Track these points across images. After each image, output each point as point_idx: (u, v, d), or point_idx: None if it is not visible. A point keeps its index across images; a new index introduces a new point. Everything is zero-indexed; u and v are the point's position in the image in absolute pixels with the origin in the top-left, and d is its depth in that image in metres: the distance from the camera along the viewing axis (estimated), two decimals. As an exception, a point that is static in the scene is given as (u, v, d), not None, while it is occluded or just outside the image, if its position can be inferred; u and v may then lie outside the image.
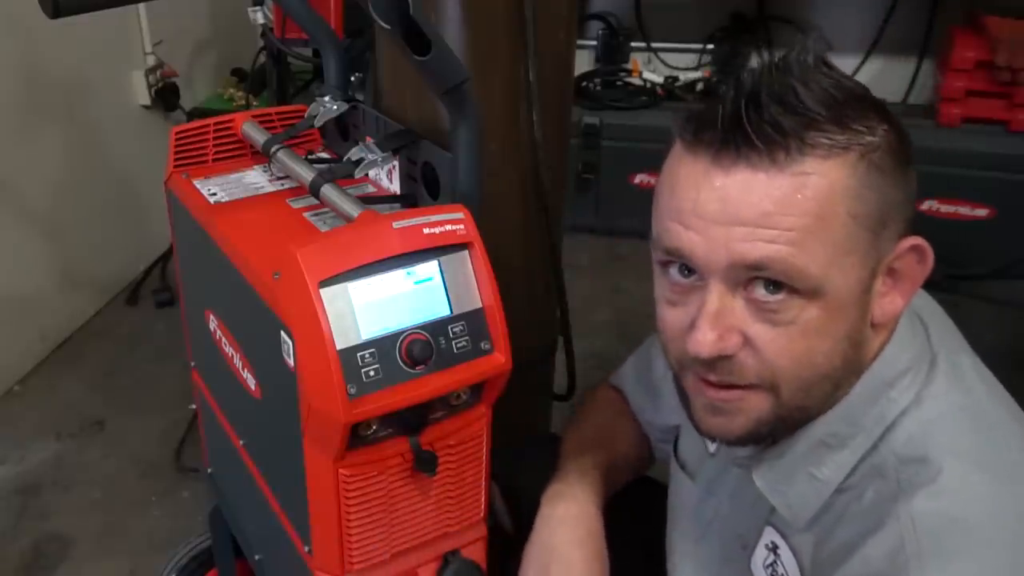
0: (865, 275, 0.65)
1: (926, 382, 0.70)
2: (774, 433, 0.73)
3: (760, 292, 0.65)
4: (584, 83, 3.00)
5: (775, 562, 0.78)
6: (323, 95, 1.14)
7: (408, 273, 0.82)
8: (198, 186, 1.10)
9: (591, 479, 0.95)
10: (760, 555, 0.79)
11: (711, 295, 0.66)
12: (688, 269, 0.68)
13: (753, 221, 0.63)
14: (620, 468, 1.02)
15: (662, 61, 3.11)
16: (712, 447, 0.88)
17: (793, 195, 0.62)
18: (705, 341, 0.65)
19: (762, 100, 0.62)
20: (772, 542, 0.78)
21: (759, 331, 0.66)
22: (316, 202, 1.02)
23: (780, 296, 0.64)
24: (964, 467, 0.66)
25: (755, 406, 0.69)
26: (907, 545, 0.63)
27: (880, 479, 0.68)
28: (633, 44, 3.12)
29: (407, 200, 1.05)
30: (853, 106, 0.64)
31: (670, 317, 0.71)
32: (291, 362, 0.82)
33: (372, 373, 0.79)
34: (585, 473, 0.96)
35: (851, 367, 0.69)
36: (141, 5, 2.47)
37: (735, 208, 0.63)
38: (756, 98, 0.62)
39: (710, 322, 0.66)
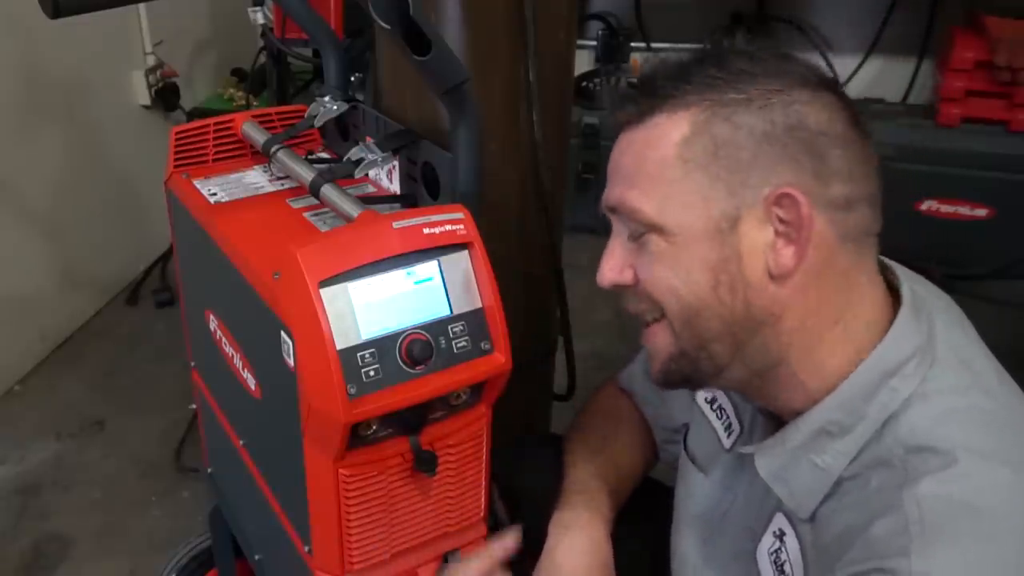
0: (714, 216, 0.71)
1: (931, 372, 0.70)
2: (688, 376, 0.78)
3: (632, 229, 0.75)
4: (584, 83, 3.00)
5: (779, 549, 0.78)
6: (323, 95, 1.14)
7: (408, 273, 0.82)
8: (198, 186, 1.10)
9: (598, 504, 0.95)
10: (766, 542, 0.80)
11: (611, 237, 0.78)
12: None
13: (613, 170, 0.77)
14: (626, 479, 1.02)
15: (662, 61, 3.11)
16: (727, 442, 0.88)
17: (638, 144, 0.74)
18: (600, 275, 0.78)
19: (650, 74, 0.75)
20: (780, 529, 0.78)
21: (639, 263, 0.76)
22: (316, 202, 1.02)
23: (641, 232, 0.74)
24: (975, 458, 0.65)
25: (661, 341, 0.77)
26: (911, 527, 0.64)
27: (885, 468, 0.68)
28: (633, 44, 3.12)
29: (407, 200, 1.05)
30: (737, 76, 0.71)
31: None
32: (291, 362, 0.82)
33: (372, 373, 0.79)
34: (592, 497, 0.96)
35: (743, 314, 0.72)
36: (141, 5, 2.47)
37: (612, 163, 0.77)
38: (651, 74, 0.75)
39: (605, 258, 0.78)
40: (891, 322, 0.72)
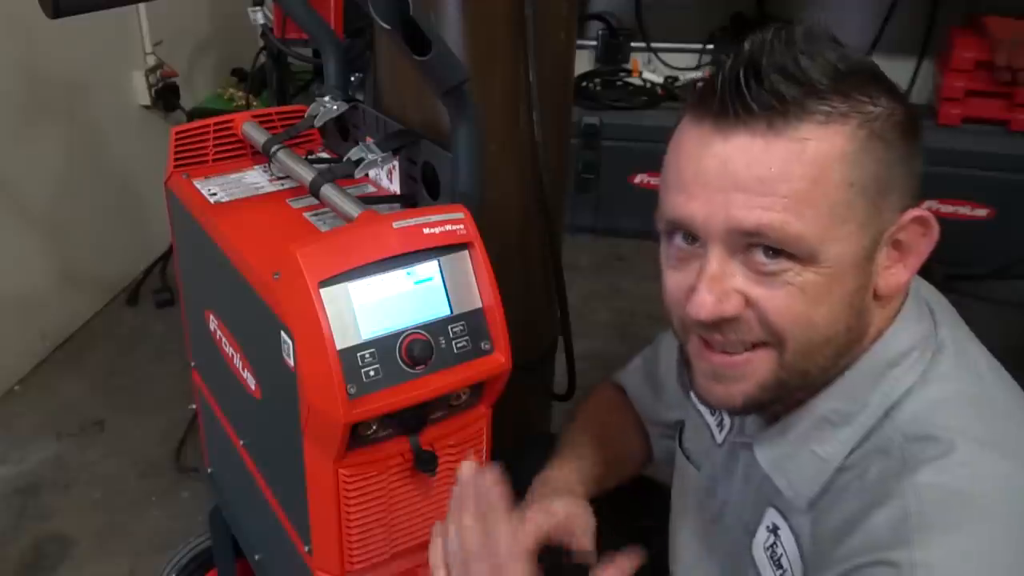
0: (865, 243, 0.66)
1: (932, 363, 0.71)
2: (774, 401, 0.73)
3: (759, 257, 0.66)
4: (584, 83, 3.00)
5: (775, 543, 0.78)
6: (323, 95, 1.14)
7: (408, 273, 0.82)
8: (198, 186, 1.10)
9: (584, 469, 0.96)
10: (761, 537, 0.79)
11: (711, 259, 0.67)
12: (691, 236, 0.69)
13: (750, 187, 0.64)
14: (616, 462, 1.02)
15: (662, 61, 3.11)
16: (720, 437, 0.88)
17: (790, 160, 0.63)
18: (704, 303, 0.67)
19: (762, 68, 0.63)
20: (773, 523, 0.78)
21: (761, 292, 0.67)
22: (316, 202, 1.02)
23: (778, 260, 0.65)
24: (973, 446, 0.66)
25: (758, 368, 0.70)
26: (911, 517, 0.63)
27: (884, 457, 0.68)
28: (633, 44, 3.12)
29: (407, 200, 1.05)
30: (857, 77, 0.65)
31: (672, 282, 0.72)
32: (291, 362, 0.82)
33: (372, 373, 0.79)
34: (579, 461, 0.96)
35: (853, 336, 0.70)
36: (141, 5, 2.46)
37: (733, 174, 0.64)
38: (756, 66, 0.64)
39: (708, 285, 0.67)
40: (895, 314, 0.72)
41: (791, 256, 0.65)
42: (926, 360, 0.71)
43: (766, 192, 0.64)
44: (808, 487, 0.73)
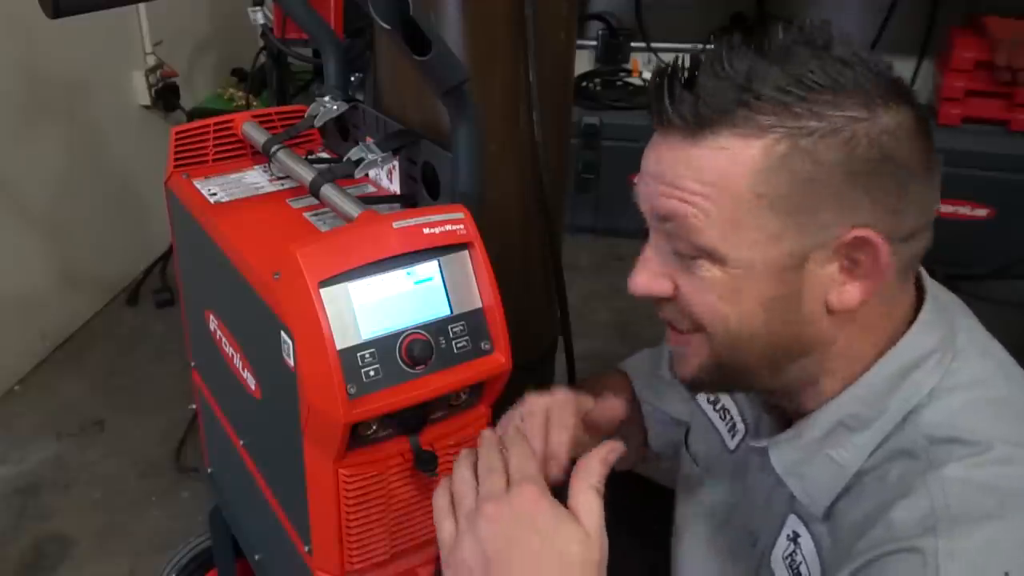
0: (782, 253, 0.67)
1: (953, 367, 0.70)
2: (718, 383, 0.76)
3: (680, 246, 0.70)
4: (584, 83, 3.00)
5: (794, 552, 0.77)
6: (323, 95, 1.14)
7: (408, 273, 0.82)
8: (198, 186, 1.10)
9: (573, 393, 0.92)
10: (781, 546, 0.79)
11: (647, 243, 0.73)
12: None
13: (669, 180, 0.69)
14: (600, 420, 0.95)
15: (662, 61, 3.11)
16: (732, 443, 0.88)
17: (703, 165, 0.66)
18: (634, 282, 0.73)
19: (695, 74, 0.66)
20: (794, 531, 0.77)
21: (683, 280, 0.71)
22: (316, 202, 1.02)
23: (693, 255, 0.69)
24: (1002, 445, 0.65)
25: (696, 351, 0.73)
26: (937, 509, 0.63)
27: (908, 458, 0.68)
28: (633, 44, 3.12)
29: (407, 200, 1.05)
30: (813, 91, 0.64)
31: None
32: (291, 362, 0.82)
33: (372, 373, 0.79)
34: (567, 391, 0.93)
35: (792, 341, 0.70)
36: (141, 5, 2.47)
37: (661, 167, 0.69)
38: (691, 71, 0.67)
39: (640, 264, 0.74)
40: (913, 318, 0.72)
41: (702, 254, 0.68)
42: (946, 364, 0.70)
43: (680, 187, 0.68)
44: (824, 494, 0.73)
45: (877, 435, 0.70)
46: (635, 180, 0.74)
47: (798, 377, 0.73)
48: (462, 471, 0.73)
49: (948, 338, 0.72)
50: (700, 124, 0.66)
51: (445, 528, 0.71)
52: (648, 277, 0.73)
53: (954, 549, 0.61)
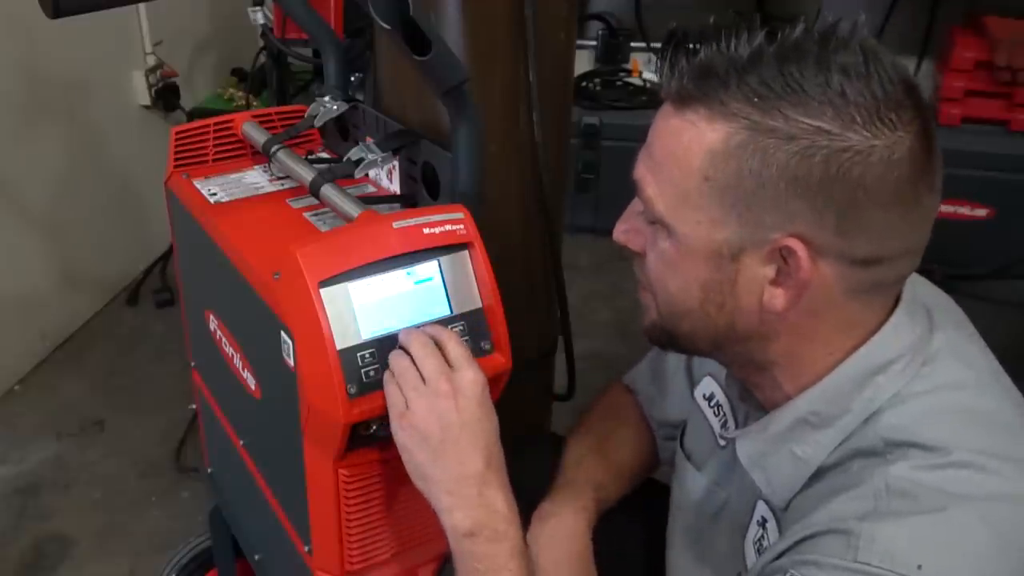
0: (720, 240, 0.68)
1: (921, 373, 0.70)
2: (664, 341, 0.79)
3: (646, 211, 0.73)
4: (584, 83, 3.00)
5: (762, 536, 0.79)
6: (323, 95, 1.14)
7: (408, 273, 0.82)
8: (198, 186, 1.10)
9: (583, 498, 0.96)
10: (752, 532, 0.80)
11: (635, 199, 0.76)
12: None
13: (647, 146, 0.73)
14: (620, 476, 1.02)
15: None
16: (722, 439, 0.89)
17: (671, 135, 0.69)
18: (616, 228, 0.78)
19: (695, 48, 0.68)
20: (762, 517, 0.79)
21: (649, 245, 0.75)
22: (316, 202, 1.02)
23: (652, 220, 0.73)
24: (959, 452, 0.66)
25: (649, 307, 0.78)
26: (875, 498, 0.65)
27: (865, 458, 0.69)
28: (633, 44, 3.12)
29: (407, 200, 1.05)
30: (799, 96, 0.63)
31: None
32: (291, 362, 0.82)
33: (372, 373, 0.79)
34: (578, 492, 0.97)
35: (728, 329, 0.72)
36: (141, 5, 2.46)
37: (650, 132, 0.73)
38: (695, 47, 0.68)
39: (625, 216, 0.78)
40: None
41: (656, 220, 0.72)
42: (914, 369, 0.70)
43: (650, 152, 0.72)
44: (786, 487, 0.74)
45: (839, 434, 0.71)
46: None
47: (747, 360, 0.75)
48: (399, 355, 0.79)
49: (919, 344, 0.72)
50: (682, 97, 0.68)
51: (393, 397, 0.78)
52: (627, 229, 0.77)
53: (877, 534, 0.63)
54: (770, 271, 0.68)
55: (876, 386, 0.70)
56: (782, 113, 0.64)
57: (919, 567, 0.61)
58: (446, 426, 0.76)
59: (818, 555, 0.65)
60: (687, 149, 0.68)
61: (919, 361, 0.71)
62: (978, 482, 0.65)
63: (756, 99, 0.65)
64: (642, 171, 0.72)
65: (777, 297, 0.69)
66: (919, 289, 0.76)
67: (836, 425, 0.71)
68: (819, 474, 0.72)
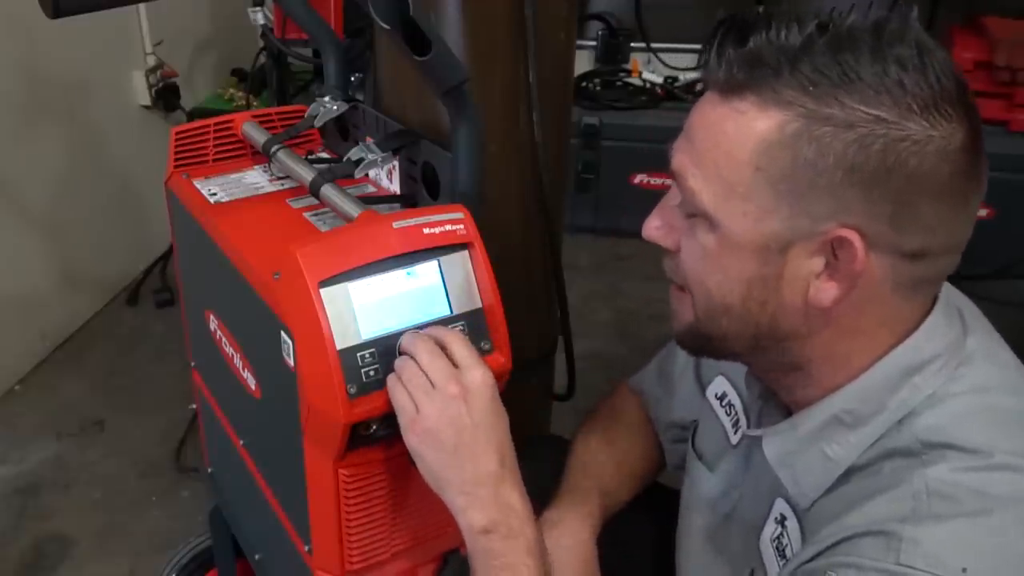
0: (768, 232, 0.66)
1: (957, 374, 0.70)
2: (698, 346, 0.78)
3: (684, 203, 0.71)
4: (584, 83, 3.00)
5: (781, 534, 0.77)
6: (323, 95, 1.14)
7: (408, 273, 0.82)
8: (198, 186, 1.10)
9: (588, 505, 0.96)
10: (769, 530, 0.79)
11: (669, 192, 0.74)
12: None
13: (690, 136, 0.70)
14: (626, 481, 1.02)
15: (662, 61, 3.11)
16: (735, 438, 0.88)
17: (718, 124, 0.67)
18: (647, 225, 0.75)
19: (746, 36, 0.66)
20: (781, 514, 0.78)
21: (685, 240, 0.72)
22: (316, 202, 1.02)
23: (693, 213, 0.70)
24: (997, 454, 0.65)
25: (683, 309, 0.75)
26: (915, 500, 0.63)
27: (900, 458, 0.68)
28: (633, 44, 3.12)
29: (407, 200, 1.05)
30: (857, 86, 0.62)
31: None
32: (291, 362, 0.82)
33: (372, 373, 0.79)
34: (583, 499, 0.97)
35: (768, 324, 0.70)
36: (141, 5, 2.46)
37: (691, 121, 0.70)
38: (742, 33, 0.66)
39: (657, 210, 0.75)
40: (913, 326, 0.71)
41: (699, 213, 0.69)
42: (950, 370, 0.70)
43: (692, 142, 0.69)
44: (813, 487, 0.73)
45: (871, 434, 0.70)
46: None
47: (780, 362, 0.74)
48: (405, 360, 0.79)
49: (955, 345, 0.71)
50: (731, 86, 0.66)
51: (402, 402, 0.77)
52: (660, 225, 0.74)
53: (921, 536, 0.62)
54: (817, 265, 0.67)
55: (912, 386, 0.69)
56: (839, 101, 0.62)
57: (964, 570, 0.60)
58: (459, 429, 0.75)
59: (857, 557, 0.63)
60: (736, 139, 0.66)
61: (955, 362, 0.70)
62: (1019, 484, 0.64)
63: (811, 87, 0.63)
64: (683, 162, 0.69)
65: (825, 291, 0.67)
66: (948, 291, 0.76)
67: (870, 425, 0.70)
68: (848, 475, 0.71)
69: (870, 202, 0.64)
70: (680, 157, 0.70)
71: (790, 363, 0.73)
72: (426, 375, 0.77)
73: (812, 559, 0.67)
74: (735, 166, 0.66)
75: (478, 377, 0.76)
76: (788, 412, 0.79)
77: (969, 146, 0.64)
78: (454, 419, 0.75)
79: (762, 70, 0.64)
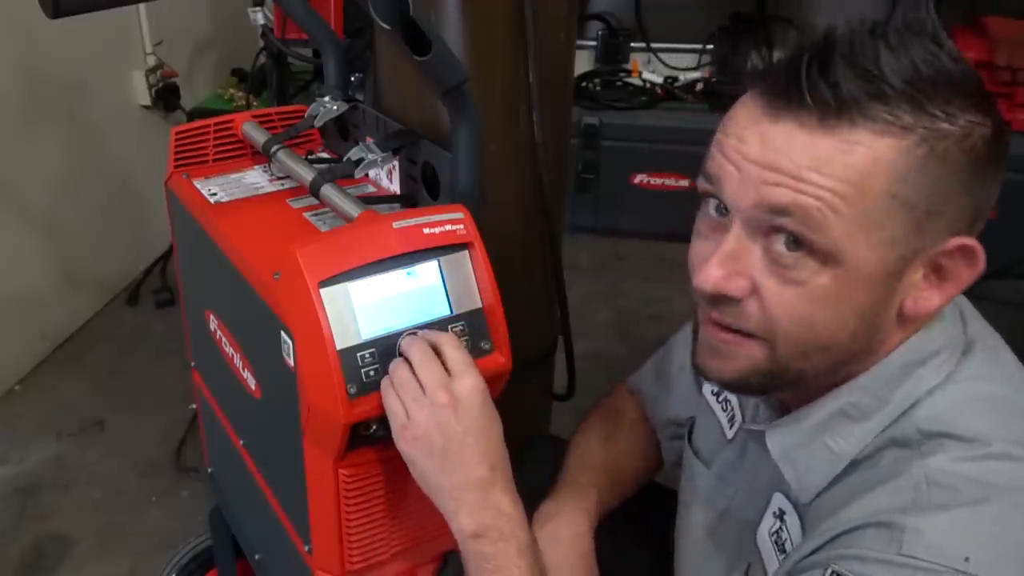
0: (894, 258, 0.64)
1: (959, 365, 0.70)
2: (764, 387, 0.73)
3: (779, 245, 0.65)
4: (584, 83, 3.00)
5: (780, 528, 0.77)
6: (323, 95, 1.14)
7: (408, 273, 0.82)
8: (198, 186, 1.10)
9: (585, 499, 0.96)
10: (767, 524, 0.79)
11: (731, 235, 0.67)
12: (723, 208, 0.69)
13: (788, 171, 0.63)
14: (623, 478, 1.02)
15: (662, 61, 3.11)
16: (730, 433, 0.88)
17: (834, 159, 0.62)
18: (709, 277, 0.67)
19: (834, 58, 0.61)
20: (779, 508, 0.78)
21: (770, 284, 0.66)
22: (316, 202, 1.02)
23: (797, 254, 0.64)
24: (996, 443, 0.65)
25: (750, 354, 0.70)
26: (915, 490, 0.64)
27: (899, 448, 0.68)
28: (633, 44, 3.12)
29: (407, 200, 1.05)
30: (939, 87, 0.62)
31: (695, 249, 0.72)
32: (291, 362, 0.82)
33: (372, 373, 0.79)
34: (580, 493, 0.97)
35: (860, 348, 0.69)
36: (141, 5, 2.47)
37: (774, 155, 0.64)
38: (826, 55, 0.62)
39: (720, 259, 0.67)
40: (914, 327, 0.71)
41: (812, 251, 0.63)
42: (953, 362, 0.70)
43: (802, 179, 0.62)
44: (816, 481, 0.73)
45: (876, 426, 0.70)
46: (710, 163, 0.69)
47: (827, 379, 0.72)
48: (399, 364, 0.79)
49: (958, 338, 0.72)
50: (838, 113, 0.61)
51: (393, 407, 0.78)
52: (727, 273, 0.67)
53: (923, 527, 0.62)
54: (919, 276, 0.66)
55: (917, 378, 0.69)
56: (948, 115, 0.62)
57: (966, 559, 0.60)
58: (447, 436, 0.76)
59: (859, 549, 0.63)
60: (865, 171, 0.61)
61: (957, 355, 0.71)
62: (1017, 472, 0.64)
63: (915, 103, 0.61)
64: (798, 199, 0.62)
65: (928, 300, 0.67)
66: None
67: (874, 418, 0.70)
68: (849, 468, 0.71)
69: (976, 204, 0.65)
70: (786, 194, 0.63)
71: (842, 376, 0.72)
72: (418, 381, 0.77)
73: (813, 552, 0.67)
74: (868, 198, 0.62)
75: (468, 384, 0.77)
76: (783, 406, 0.79)
77: (999, 118, 0.65)
78: (442, 427, 0.76)
79: (863, 94, 0.61)
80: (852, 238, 0.63)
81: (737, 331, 0.69)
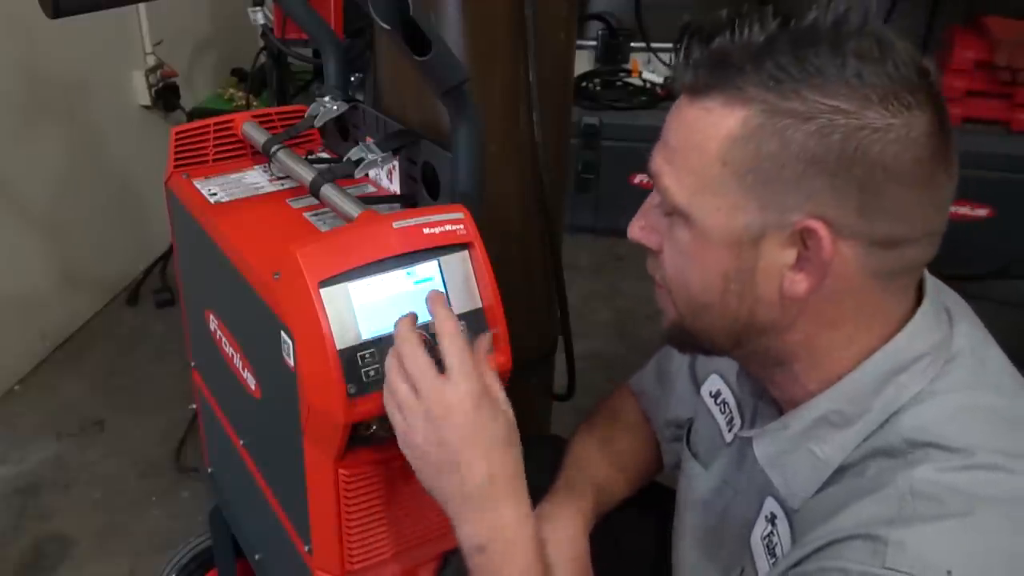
0: (738, 227, 0.68)
1: (944, 372, 0.70)
2: (684, 343, 0.79)
3: (664, 204, 0.73)
4: (584, 83, 3.00)
5: (771, 532, 0.78)
6: (323, 95, 1.14)
7: (408, 273, 0.82)
8: (198, 186, 1.10)
9: (582, 501, 0.96)
10: (759, 528, 0.80)
11: (653, 192, 0.75)
12: None
13: (664, 137, 0.73)
14: (619, 485, 1.02)
15: (662, 61, 3.11)
16: (729, 436, 0.88)
17: (687, 124, 0.70)
18: (632, 226, 0.77)
19: (713, 40, 0.68)
20: (771, 513, 0.78)
21: (665, 237, 0.74)
22: (316, 202, 1.02)
23: (670, 212, 0.72)
24: (981, 453, 0.65)
25: (667, 307, 0.77)
26: (900, 502, 0.64)
27: (886, 458, 0.68)
28: (633, 44, 3.12)
29: (407, 200, 1.05)
30: (812, 76, 0.64)
31: None
32: (291, 362, 0.82)
33: (372, 373, 0.79)
34: (577, 494, 0.97)
35: (753, 320, 0.71)
36: (141, 5, 2.47)
37: (666, 124, 0.73)
38: (710, 38, 0.68)
39: (640, 212, 0.77)
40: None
41: (674, 211, 0.71)
42: (937, 368, 0.70)
43: (666, 143, 0.72)
44: (804, 487, 0.73)
45: (859, 434, 0.71)
46: None
47: (765, 357, 0.74)
48: (392, 368, 0.77)
49: (942, 343, 0.71)
50: (699, 86, 0.68)
51: (393, 414, 0.78)
52: (644, 226, 0.76)
53: (906, 539, 0.62)
54: (790, 256, 0.68)
55: (899, 385, 0.70)
56: (799, 95, 0.64)
57: (948, 572, 0.60)
58: (442, 444, 0.75)
59: (844, 561, 0.64)
60: (704, 136, 0.68)
61: (941, 361, 0.70)
62: (1003, 483, 0.64)
63: (772, 83, 0.65)
64: (658, 162, 0.72)
65: (798, 282, 0.68)
66: (937, 288, 0.76)
67: (857, 424, 0.71)
68: (836, 475, 0.71)
69: (835, 191, 0.65)
70: (656, 158, 0.73)
71: (774, 358, 0.74)
72: (410, 383, 0.76)
73: (800, 562, 0.68)
74: (705, 162, 0.68)
75: (461, 389, 0.75)
76: (781, 410, 0.79)
77: (934, 132, 0.66)
78: (437, 433, 0.75)
79: (727, 69, 0.66)
80: (694, 201, 0.69)
81: (660, 284, 0.77)
